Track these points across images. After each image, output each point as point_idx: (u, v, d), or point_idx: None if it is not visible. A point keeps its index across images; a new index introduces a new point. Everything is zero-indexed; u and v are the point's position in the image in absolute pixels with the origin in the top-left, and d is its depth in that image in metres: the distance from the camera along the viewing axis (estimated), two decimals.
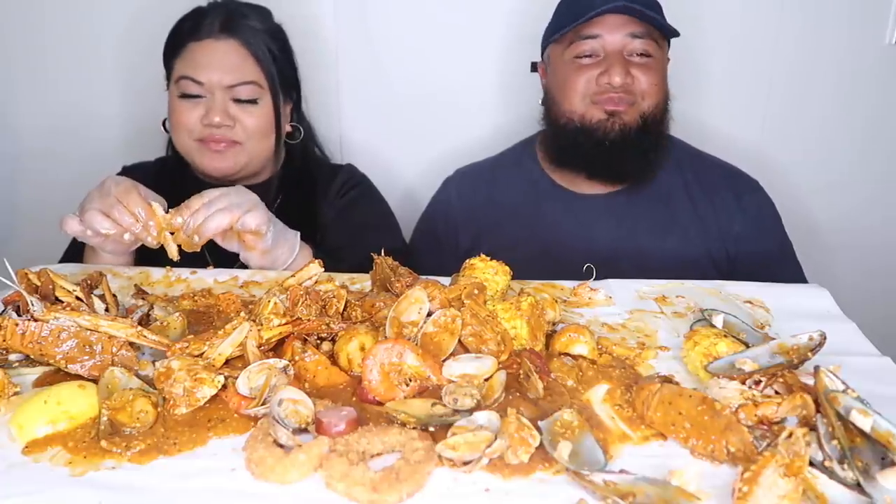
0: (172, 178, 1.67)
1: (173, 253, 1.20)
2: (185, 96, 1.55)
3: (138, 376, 0.91)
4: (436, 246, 1.79)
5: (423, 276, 1.12)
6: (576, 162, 1.66)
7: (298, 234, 1.38)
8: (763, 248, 1.66)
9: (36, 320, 0.93)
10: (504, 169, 1.80)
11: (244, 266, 1.35)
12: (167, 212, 1.21)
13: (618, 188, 1.68)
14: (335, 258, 1.36)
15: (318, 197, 1.70)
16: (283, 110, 1.65)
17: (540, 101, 1.74)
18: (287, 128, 1.68)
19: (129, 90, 2.14)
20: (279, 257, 1.33)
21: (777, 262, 1.67)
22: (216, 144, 1.55)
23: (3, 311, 1.03)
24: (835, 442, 0.75)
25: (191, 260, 1.38)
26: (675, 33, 1.59)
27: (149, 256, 1.37)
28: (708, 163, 1.74)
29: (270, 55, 1.58)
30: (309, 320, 0.97)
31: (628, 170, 1.63)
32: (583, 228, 1.67)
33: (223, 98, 1.54)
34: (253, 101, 1.56)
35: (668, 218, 1.67)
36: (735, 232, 1.66)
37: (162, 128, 1.65)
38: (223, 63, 1.53)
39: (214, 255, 1.57)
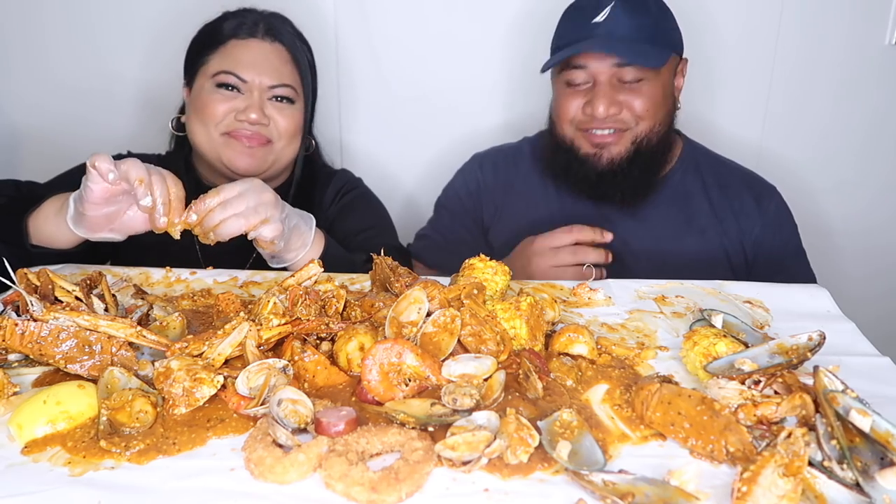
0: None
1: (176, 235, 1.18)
2: (222, 86, 1.55)
3: (138, 376, 0.91)
4: (457, 217, 1.81)
5: (423, 277, 1.12)
6: (568, 182, 1.67)
7: (312, 221, 1.36)
8: (780, 252, 1.67)
9: (35, 320, 0.93)
10: (523, 157, 1.81)
11: (241, 267, 1.35)
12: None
13: None
14: None
15: (314, 204, 1.70)
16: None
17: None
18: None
19: (133, 87, 2.15)
20: (290, 251, 1.32)
21: (792, 267, 1.67)
22: (248, 140, 1.56)
23: (3, 311, 1.03)
24: (834, 442, 0.75)
25: (186, 261, 1.38)
26: (664, 62, 1.53)
27: (135, 254, 1.36)
28: (726, 166, 1.75)
29: (308, 64, 1.63)
30: (308, 320, 0.97)
31: (618, 195, 1.63)
32: (599, 223, 1.67)
33: (261, 97, 1.56)
34: (290, 102, 1.59)
35: (686, 218, 1.67)
36: (755, 235, 1.66)
37: (170, 126, 1.65)
38: (266, 64, 1.56)
39: (208, 258, 1.56)
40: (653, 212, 1.67)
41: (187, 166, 1.67)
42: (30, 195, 1.34)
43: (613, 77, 1.53)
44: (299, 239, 1.32)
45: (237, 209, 1.18)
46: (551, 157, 1.70)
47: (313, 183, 1.73)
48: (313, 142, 1.74)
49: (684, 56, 1.66)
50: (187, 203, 1.18)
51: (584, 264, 1.48)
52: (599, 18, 1.52)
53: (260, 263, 1.37)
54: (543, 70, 1.60)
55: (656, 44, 1.53)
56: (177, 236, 1.17)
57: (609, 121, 1.54)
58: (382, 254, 1.18)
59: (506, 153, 1.84)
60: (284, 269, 1.33)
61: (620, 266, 1.56)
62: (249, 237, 1.22)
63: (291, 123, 1.59)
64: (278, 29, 1.60)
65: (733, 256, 1.66)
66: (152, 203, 1.14)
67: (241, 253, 1.51)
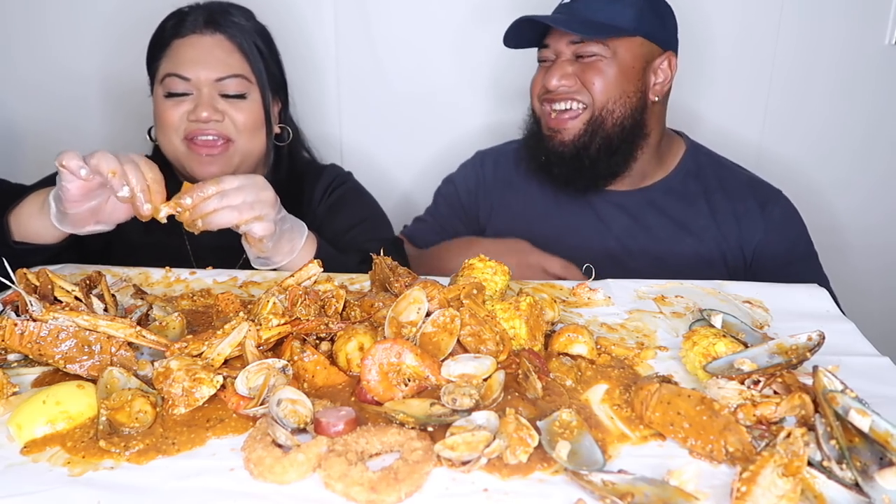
0: None
1: (162, 219, 1.16)
2: (171, 95, 1.49)
3: (137, 376, 0.91)
4: (454, 210, 1.84)
5: (422, 277, 1.12)
6: (532, 165, 1.72)
7: (305, 230, 1.35)
8: (786, 256, 1.67)
9: (35, 320, 0.93)
10: (524, 155, 1.82)
11: (232, 267, 1.35)
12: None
13: (634, 188, 1.69)
14: None
15: (305, 200, 1.67)
16: (272, 110, 1.60)
17: None
18: (276, 129, 1.62)
19: (135, 84, 2.14)
20: (277, 254, 1.32)
21: (800, 270, 1.65)
22: (207, 149, 1.50)
23: (3, 311, 1.03)
24: (833, 442, 0.75)
25: (177, 261, 1.37)
26: (606, 36, 1.54)
27: (124, 253, 1.35)
28: (731, 170, 1.75)
29: (257, 50, 1.54)
30: (308, 320, 0.97)
31: (562, 180, 1.67)
32: (596, 223, 1.69)
33: (210, 93, 1.49)
34: (241, 96, 1.51)
35: (685, 222, 1.67)
36: (756, 241, 1.66)
37: (147, 136, 1.60)
38: (209, 57, 1.49)
39: (200, 261, 1.55)
40: (651, 214, 1.68)
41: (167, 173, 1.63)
42: (11, 193, 1.32)
43: (573, 54, 1.59)
44: (289, 244, 1.30)
45: (233, 202, 1.17)
46: (527, 135, 1.75)
47: (301, 179, 1.69)
48: (289, 130, 1.66)
49: (679, 54, 1.65)
50: (170, 195, 1.16)
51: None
52: None
53: (250, 265, 1.36)
54: (505, 45, 1.66)
55: (619, 27, 1.56)
56: (163, 220, 1.15)
57: (563, 93, 1.59)
58: (382, 253, 1.19)
59: (507, 151, 1.86)
60: (275, 269, 1.33)
61: (618, 267, 1.56)
62: (240, 231, 1.22)
63: (249, 117, 1.52)
64: (218, 20, 1.51)
65: (730, 260, 1.66)
66: (130, 193, 1.12)
67: (232, 253, 1.50)
